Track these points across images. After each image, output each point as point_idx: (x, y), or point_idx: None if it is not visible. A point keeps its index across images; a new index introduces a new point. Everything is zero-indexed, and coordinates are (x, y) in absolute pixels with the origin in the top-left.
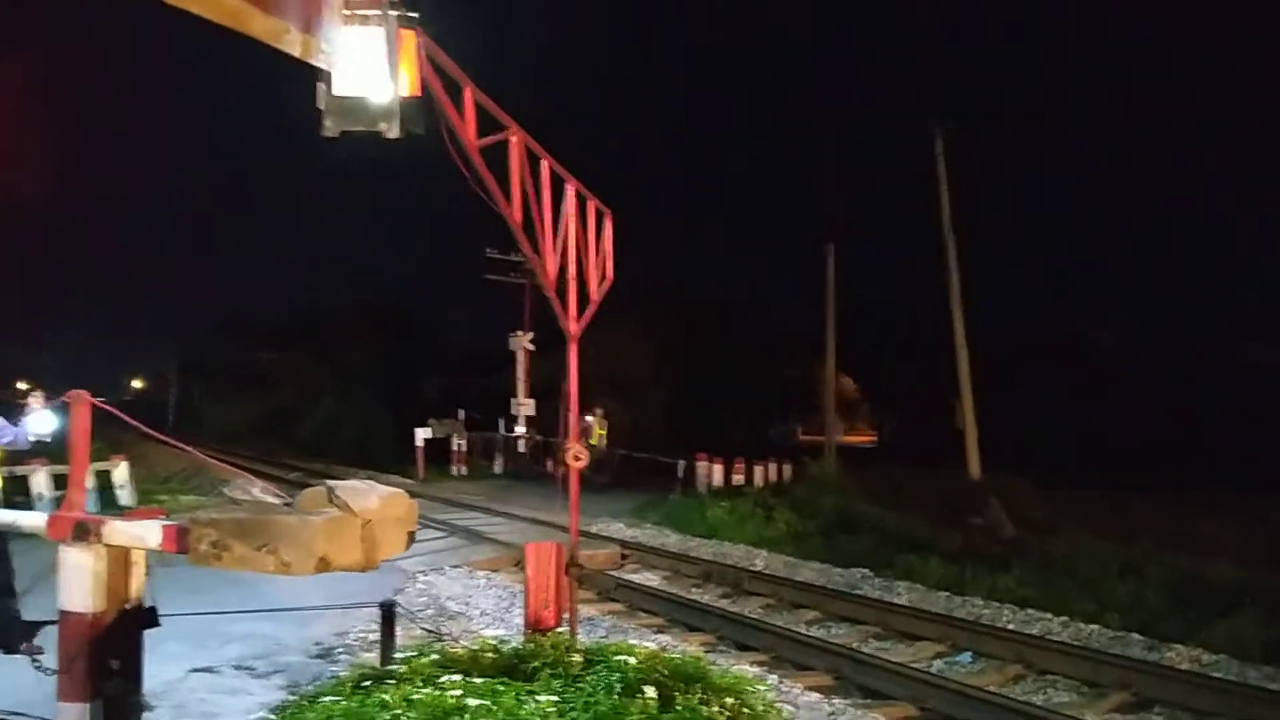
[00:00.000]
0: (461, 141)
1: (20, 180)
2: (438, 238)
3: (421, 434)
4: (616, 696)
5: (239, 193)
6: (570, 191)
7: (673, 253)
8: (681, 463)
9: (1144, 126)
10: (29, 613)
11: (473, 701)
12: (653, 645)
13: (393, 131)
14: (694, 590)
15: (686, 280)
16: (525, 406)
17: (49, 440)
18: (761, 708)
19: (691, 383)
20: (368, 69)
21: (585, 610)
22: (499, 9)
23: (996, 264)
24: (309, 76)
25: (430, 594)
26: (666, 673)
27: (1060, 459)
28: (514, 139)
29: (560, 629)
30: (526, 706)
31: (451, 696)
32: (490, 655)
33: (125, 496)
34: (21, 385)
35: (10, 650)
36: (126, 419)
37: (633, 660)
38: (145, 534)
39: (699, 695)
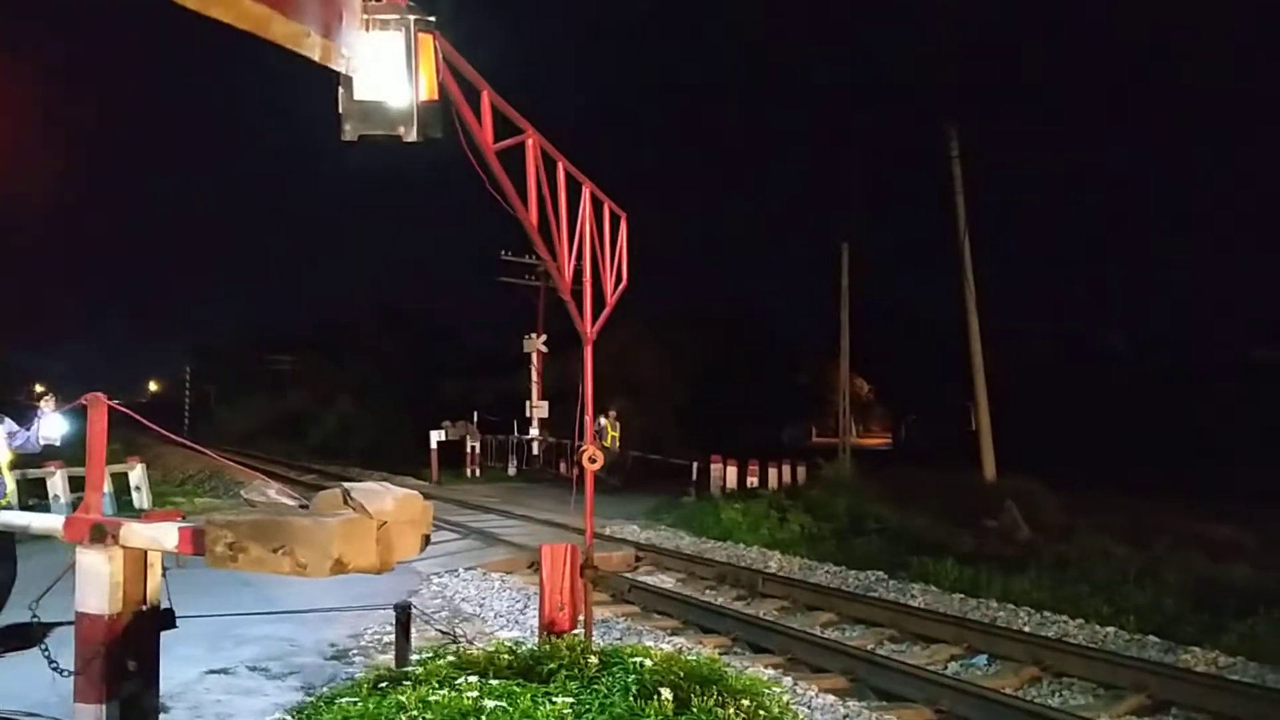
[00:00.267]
0: (479, 145)
1: (40, 187)
2: (453, 241)
3: (435, 436)
4: (632, 699)
5: (256, 198)
6: (586, 193)
7: (687, 255)
8: (695, 464)
9: (1162, 130)
10: (46, 614)
11: (489, 703)
12: (668, 647)
13: (411, 135)
14: (708, 592)
15: (700, 282)
16: (539, 409)
17: (59, 444)
18: (778, 710)
19: (705, 384)
20: (387, 73)
21: (600, 612)
22: (515, 12)
23: (1012, 267)
24: (324, 83)
25: (445, 596)
26: (682, 675)
27: (1075, 462)
28: (530, 142)
29: (575, 631)
30: (543, 708)
31: (468, 698)
32: (506, 657)
33: (141, 499)
34: (39, 388)
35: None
36: (143, 421)
37: (649, 662)
38: (162, 536)
39: (715, 697)
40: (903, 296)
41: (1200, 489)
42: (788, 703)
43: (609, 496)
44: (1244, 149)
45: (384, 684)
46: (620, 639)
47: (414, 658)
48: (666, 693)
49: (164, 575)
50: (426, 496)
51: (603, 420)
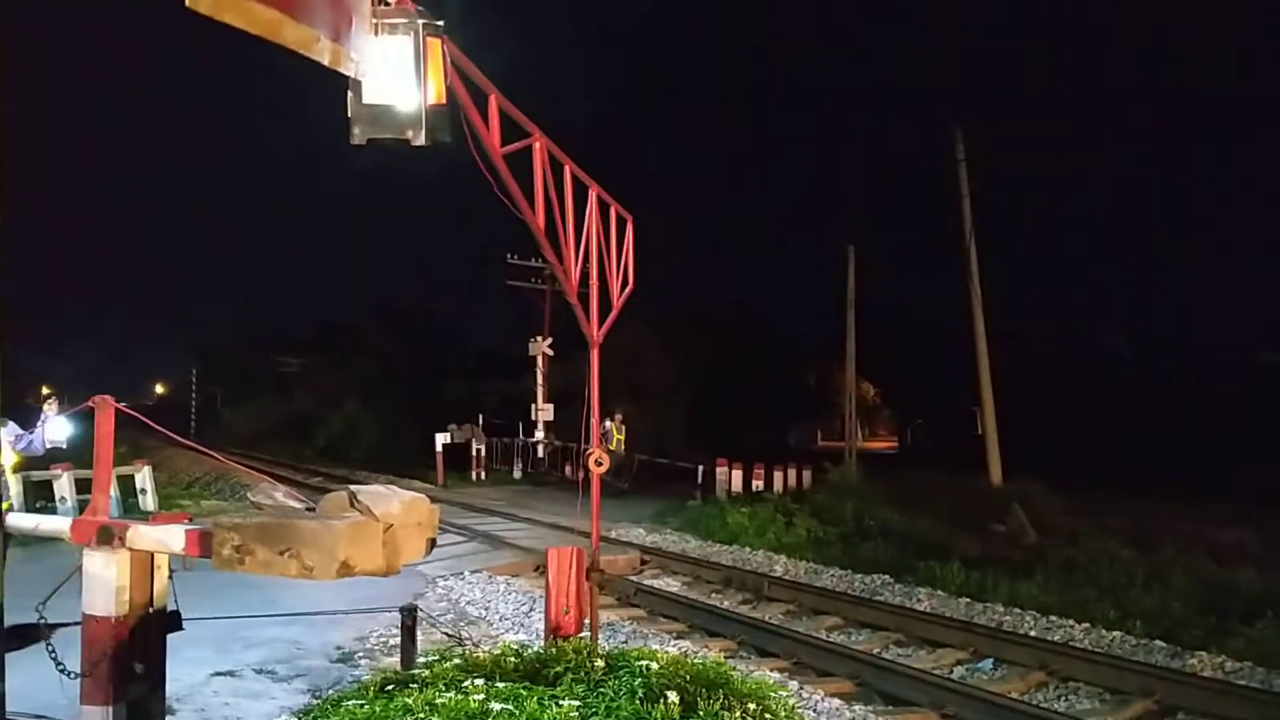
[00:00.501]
0: (487, 148)
1: (46, 187)
2: (457, 243)
3: (441, 439)
4: (639, 702)
5: (257, 199)
6: (593, 196)
7: (691, 258)
8: (701, 468)
9: (1166, 131)
10: (52, 617)
11: (496, 706)
12: (674, 651)
13: (420, 139)
14: (714, 596)
15: (705, 285)
16: (544, 411)
17: (64, 447)
18: (784, 714)
19: (710, 387)
20: (395, 77)
21: (605, 615)
22: (521, 16)
23: (1016, 269)
24: (326, 83)
25: (450, 599)
26: (689, 678)
27: (1080, 464)
28: (537, 145)
29: (581, 634)
30: (549, 711)
31: (475, 701)
32: (513, 660)
33: (148, 501)
34: (45, 390)
35: None
36: (150, 423)
37: (655, 665)
38: (169, 538)
39: (721, 701)
40: (908, 299)
41: (1205, 492)
42: (794, 706)
43: (614, 500)
44: (1247, 149)
45: (390, 686)
46: (626, 642)
47: (420, 660)
48: (673, 696)
49: (170, 577)
50: (432, 499)
51: (608, 423)
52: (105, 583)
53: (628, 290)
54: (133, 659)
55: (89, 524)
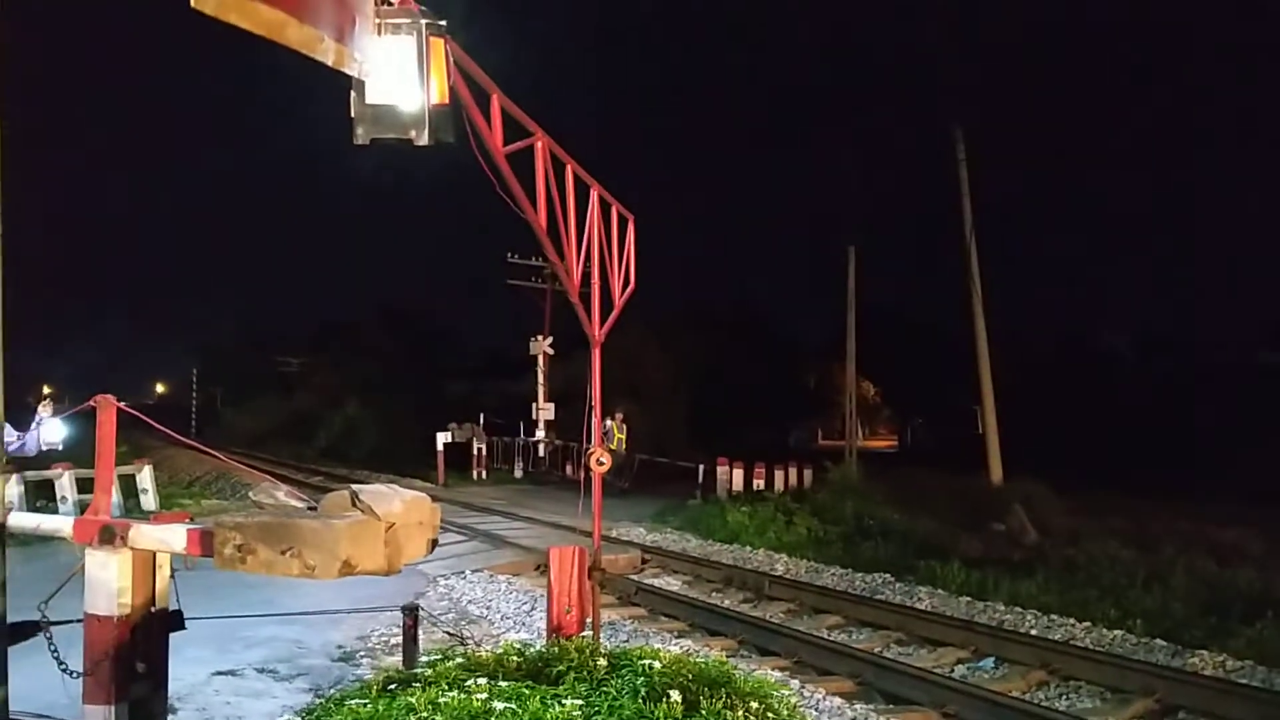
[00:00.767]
0: (489, 148)
1: (46, 187)
2: (458, 242)
3: (442, 438)
4: (641, 700)
5: (261, 202)
6: (594, 196)
7: (691, 257)
8: (701, 467)
9: (1164, 130)
10: (54, 617)
11: (499, 705)
12: (675, 650)
13: (422, 139)
14: (715, 595)
15: (705, 284)
16: (545, 411)
17: (59, 448)
18: (786, 712)
19: (711, 386)
20: (398, 77)
21: (607, 614)
22: (524, 16)
23: (1016, 268)
24: (328, 82)
25: (451, 598)
26: (691, 677)
27: (1080, 464)
28: (539, 145)
29: (583, 633)
30: (552, 710)
31: (478, 700)
32: (515, 659)
33: (149, 500)
34: (46, 390)
35: None
36: (151, 423)
37: (657, 664)
38: (171, 538)
39: (723, 700)
40: (908, 298)
41: (1206, 491)
42: (795, 705)
43: (615, 499)
44: (1249, 149)
45: (393, 685)
46: (627, 641)
47: (422, 659)
48: (675, 695)
49: (172, 577)
50: (433, 499)
51: (609, 422)
52: (107, 582)
53: (629, 290)
54: (135, 658)
55: (91, 523)
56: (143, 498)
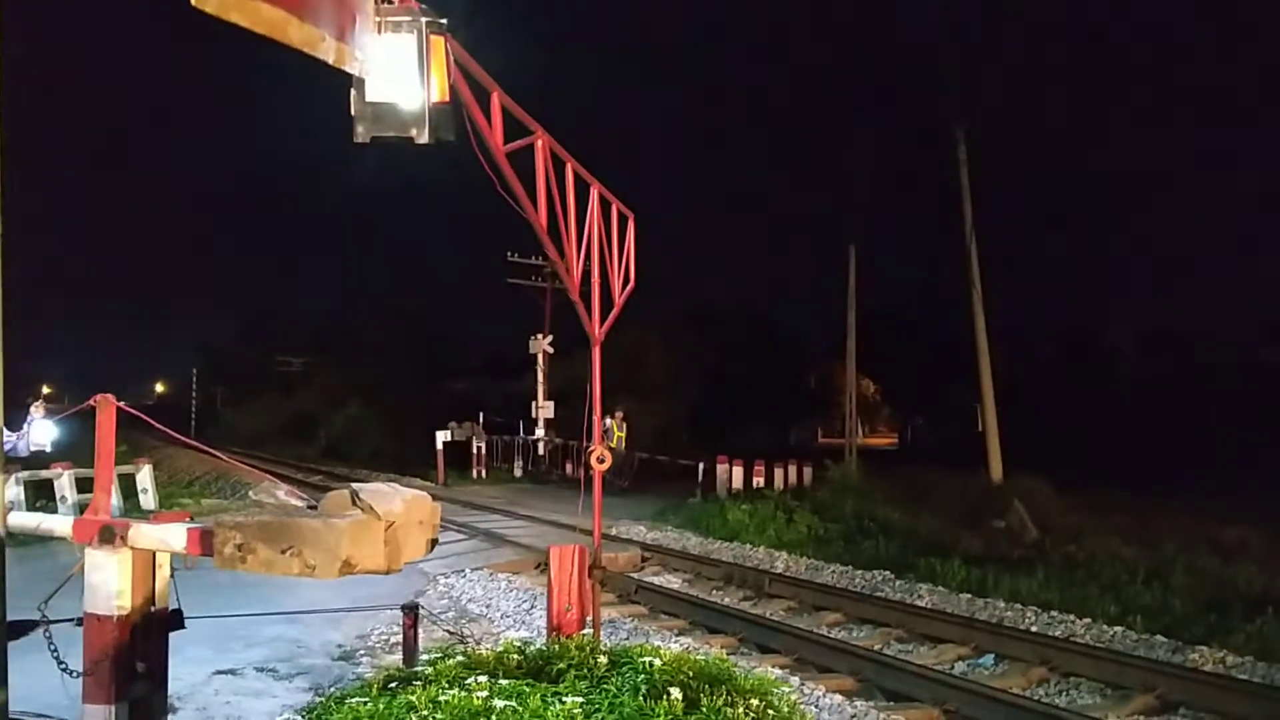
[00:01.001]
0: (489, 146)
1: (46, 187)
2: (458, 241)
3: (441, 437)
4: (642, 698)
5: (262, 201)
6: (594, 194)
7: (692, 256)
8: (702, 465)
9: (1165, 130)
10: (54, 616)
11: (499, 703)
12: (676, 648)
13: (423, 137)
14: (715, 593)
15: (707, 285)
16: (545, 409)
17: (47, 449)
18: (786, 710)
19: (711, 385)
20: (399, 75)
21: (607, 612)
22: (525, 13)
23: (1018, 266)
24: (329, 81)
25: (451, 596)
26: (691, 674)
27: (1081, 461)
28: (540, 143)
29: (584, 631)
30: (553, 708)
31: (478, 698)
32: (515, 657)
33: (149, 500)
34: (46, 390)
35: None
36: (151, 422)
37: (658, 662)
38: (170, 537)
39: (724, 697)
40: (909, 297)
41: (1207, 489)
42: (796, 702)
43: (615, 497)
44: (1249, 149)
45: (394, 684)
46: (627, 639)
47: (422, 658)
48: (676, 692)
49: (172, 576)
50: (432, 497)
51: (609, 421)
52: (107, 582)
53: (629, 288)
54: (135, 658)
55: (91, 523)
56: (142, 497)
